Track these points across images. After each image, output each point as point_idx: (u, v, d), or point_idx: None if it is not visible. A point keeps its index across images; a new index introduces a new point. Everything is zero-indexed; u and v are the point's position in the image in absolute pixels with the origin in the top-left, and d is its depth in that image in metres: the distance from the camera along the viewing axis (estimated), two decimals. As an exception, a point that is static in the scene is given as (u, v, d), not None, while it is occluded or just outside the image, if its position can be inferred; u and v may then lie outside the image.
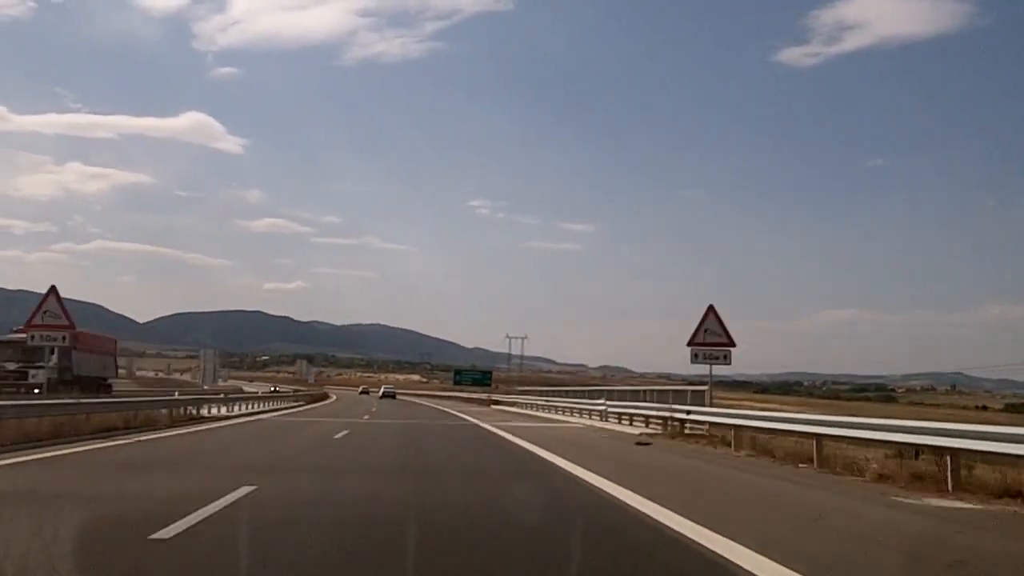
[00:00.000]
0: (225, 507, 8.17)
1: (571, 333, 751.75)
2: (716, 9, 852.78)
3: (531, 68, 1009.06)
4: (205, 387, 57.00)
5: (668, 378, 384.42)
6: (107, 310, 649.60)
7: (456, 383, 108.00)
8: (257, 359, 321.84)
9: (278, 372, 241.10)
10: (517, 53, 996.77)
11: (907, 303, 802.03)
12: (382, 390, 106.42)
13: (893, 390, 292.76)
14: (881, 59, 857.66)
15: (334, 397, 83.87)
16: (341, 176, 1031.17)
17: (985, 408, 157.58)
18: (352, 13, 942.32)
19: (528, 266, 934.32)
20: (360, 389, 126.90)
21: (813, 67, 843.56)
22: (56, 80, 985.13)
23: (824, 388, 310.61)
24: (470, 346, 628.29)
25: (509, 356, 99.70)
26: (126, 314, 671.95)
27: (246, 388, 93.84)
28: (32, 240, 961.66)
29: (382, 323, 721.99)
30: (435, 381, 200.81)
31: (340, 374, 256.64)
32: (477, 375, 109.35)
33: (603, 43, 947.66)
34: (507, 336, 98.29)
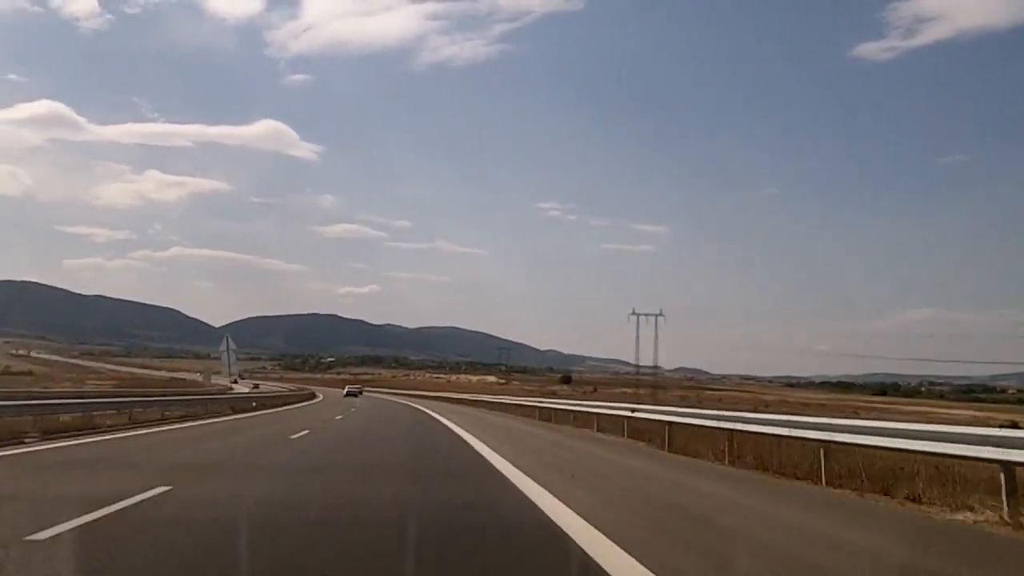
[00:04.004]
0: None
1: (644, 334, 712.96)
2: (791, 4, 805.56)
3: (601, 67, 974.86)
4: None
5: (756, 380, 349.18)
6: (183, 314, 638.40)
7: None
8: (321, 360, 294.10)
9: (339, 374, 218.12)
10: (587, 53, 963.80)
11: (988, 303, 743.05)
12: (346, 389, 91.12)
13: (1003, 391, 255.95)
14: (960, 51, 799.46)
15: (320, 396, 73.97)
16: (413, 180, 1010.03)
17: None
18: (422, 17, 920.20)
19: (600, 267, 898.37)
20: (345, 391, 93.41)
21: (890, 61, 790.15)
22: (134, 90, 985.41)
23: (926, 389, 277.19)
24: (543, 348, 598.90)
25: (637, 335, 64.08)
26: (201, 318, 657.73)
27: (237, 389, 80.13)
28: (113, 247, 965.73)
29: (455, 326, 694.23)
30: (515, 383, 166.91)
31: (407, 375, 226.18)
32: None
33: (674, 41, 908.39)
34: (633, 313, 62.36)
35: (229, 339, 39.04)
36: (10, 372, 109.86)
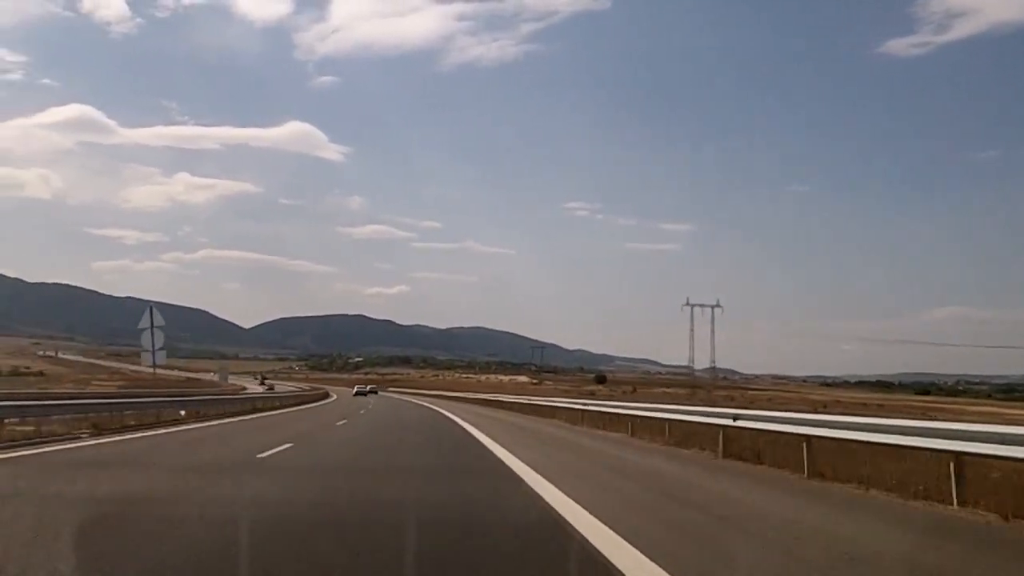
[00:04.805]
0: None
1: (673, 334, 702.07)
2: (820, 1, 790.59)
3: (628, 66, 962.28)
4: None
5: (788, 379, 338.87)
6: (213, 316, 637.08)
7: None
8: (349, 360, 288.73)
9: (366, 374, 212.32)
10: (613, 52, 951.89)
11: (1018, 301, 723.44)
12: (355, 389, 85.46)
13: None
14: (993, 46, 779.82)
15: (333, 397, 68.44)
16: (440, 181, 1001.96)
17: None
18: (449, 18, 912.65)
19: (628, 267, 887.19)
20: (355, 390, 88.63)
21: (920, 57, 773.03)
22: (163, 93, 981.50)
23: (964, 388, 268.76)
24: (572, 348, 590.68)
25: (692, 328, 56.68)
26: (231, 320, 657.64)
27: (251, 389, 76.16)
28: (143, 249, 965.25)
29: (483, 326, 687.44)
30: (547, 383, 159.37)
31: (435, 375, 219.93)
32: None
33: (700, 39, 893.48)
34: (687, 304, 55.24)
35: (154, 312, 30.55)
36: (19, 373, 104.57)
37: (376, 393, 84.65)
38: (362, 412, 37.20)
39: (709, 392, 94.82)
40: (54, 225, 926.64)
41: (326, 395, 70.36)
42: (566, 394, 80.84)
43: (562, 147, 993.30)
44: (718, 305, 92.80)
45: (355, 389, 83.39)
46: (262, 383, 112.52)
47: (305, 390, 75.62)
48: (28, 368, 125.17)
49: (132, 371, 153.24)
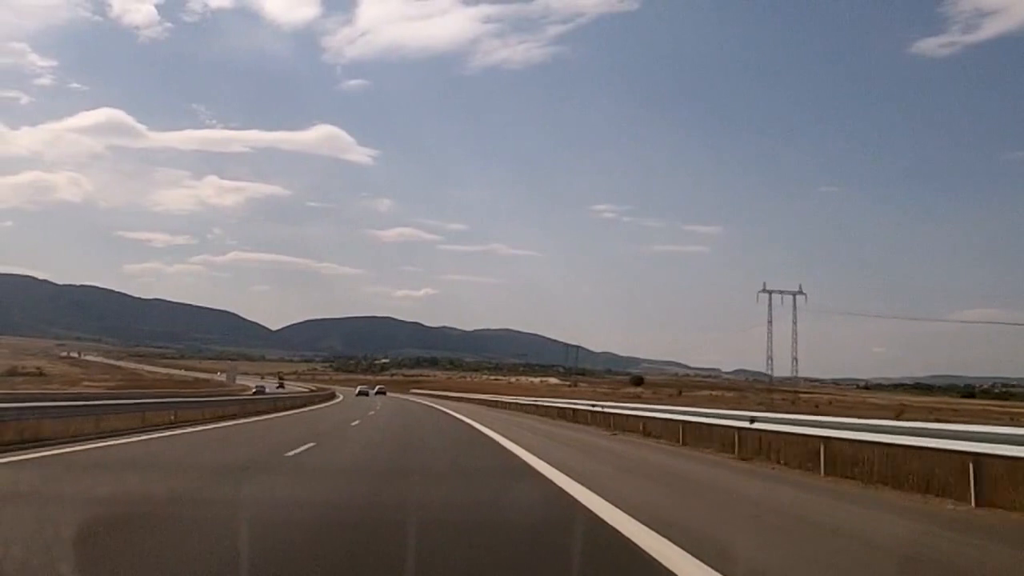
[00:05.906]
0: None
1: (701, 336, 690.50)
2: (850, 1, 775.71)
3: (656, 68, 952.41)
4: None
5: (820, 382, 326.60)
6: (241, 318, 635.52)
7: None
8: (375, 362, 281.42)
9: (392, 376, 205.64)
10: (642, 53, 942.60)
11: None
12: (358, 389, 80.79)
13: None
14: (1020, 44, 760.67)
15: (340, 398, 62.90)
16: (467, 184, 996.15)
17: None
18: (475, 20, 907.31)
19: (655, 269, 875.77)
20: (357, 390, 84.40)
21: (949, 57, 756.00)
22: (192, 97, 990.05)
23: (1003, 390, 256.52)
24: (599, 350, 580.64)
25: (769, 318, 49.07)
26: (259, 321, 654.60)
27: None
28: (172, 252, 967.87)
29: (510, 328, 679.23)
30: (582, 385, 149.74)
31: (463, 377, 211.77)
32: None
33: (730, 39, 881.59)
34: (764, 290, 46.94)
35: None
36: (17, 372, 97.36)
37: (384, 394, 76.04)
38: (307, 447, 15.86)
39: (769, 395, 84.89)
40: (84, 228, 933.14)
41: (331, 396, 62.34)
42: (607, 397, 71.35)
43: (589, 149, 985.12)
44: (800, 292, 79.37)
45: (357, 389, 75.07)
46: (280, 384, 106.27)
47: (312, 390, 68.32)
48: (38, 368, 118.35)
49: (148, 371, 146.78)
